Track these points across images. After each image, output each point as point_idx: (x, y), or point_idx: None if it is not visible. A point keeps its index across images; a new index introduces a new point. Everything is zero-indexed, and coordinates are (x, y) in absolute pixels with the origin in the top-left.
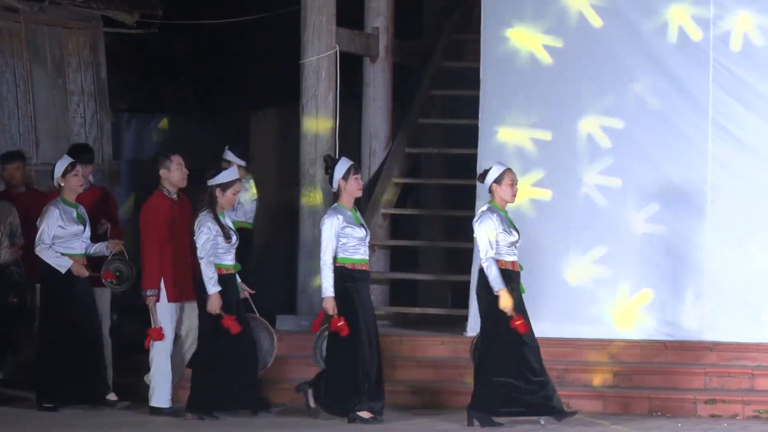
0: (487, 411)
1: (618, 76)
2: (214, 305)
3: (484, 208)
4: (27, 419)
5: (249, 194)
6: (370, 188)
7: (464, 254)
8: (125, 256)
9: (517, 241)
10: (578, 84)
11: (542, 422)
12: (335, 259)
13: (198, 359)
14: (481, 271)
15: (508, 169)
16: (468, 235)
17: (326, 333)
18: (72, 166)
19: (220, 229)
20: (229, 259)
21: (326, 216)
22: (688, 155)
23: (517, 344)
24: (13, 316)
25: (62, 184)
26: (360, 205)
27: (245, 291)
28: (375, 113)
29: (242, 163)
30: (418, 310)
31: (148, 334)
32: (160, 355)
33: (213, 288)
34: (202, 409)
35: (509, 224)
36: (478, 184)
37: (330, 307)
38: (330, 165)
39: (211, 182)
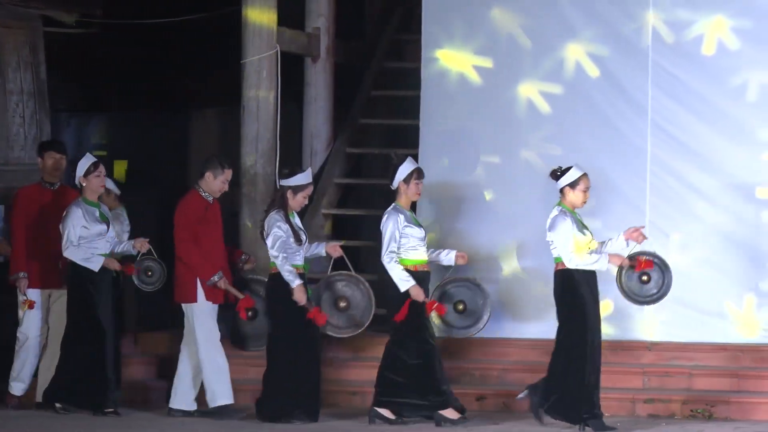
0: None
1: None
2: (301, 297)
3: (556, 212)
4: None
5: (124, 225)
6: (312, 194)
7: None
8: (153, 254)
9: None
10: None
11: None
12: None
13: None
14: (559, 273)
15: (585, 175)
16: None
17: None
18: (95, 166)
19: (290, 230)
20: (298, 260)
21: (388, 215)
22: (628, 155)
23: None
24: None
25: (84, 184)
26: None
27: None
28: (316, 113)
29: (117, 191)
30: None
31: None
32: (185, 356)
33: (296, 280)
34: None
35: (581, 225)
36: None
37: (418, 293)
38: (396, 163)
39: (284, 183)
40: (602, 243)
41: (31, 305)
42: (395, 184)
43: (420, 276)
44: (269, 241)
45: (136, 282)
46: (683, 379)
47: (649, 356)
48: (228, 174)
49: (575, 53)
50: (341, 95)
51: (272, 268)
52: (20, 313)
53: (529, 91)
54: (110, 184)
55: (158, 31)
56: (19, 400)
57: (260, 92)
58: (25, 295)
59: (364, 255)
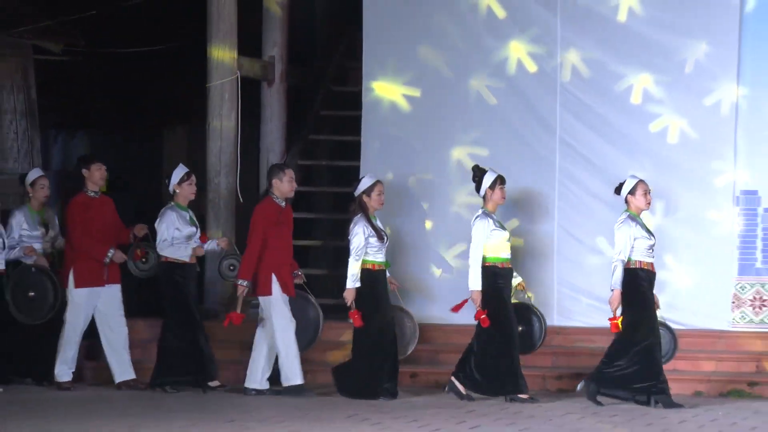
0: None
1: (481, 110)
2: (349, 296)
3: (623, 217)
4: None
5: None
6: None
7: (347, 251)
8: (236, 251)
9: (654, 245)
10: (444, 125)
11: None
12: (485, 258)
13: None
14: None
15: (641, 181)
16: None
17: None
18: (187, 175)
19: (373, 231)
20: (380, 257)
21: (477, 219)
22: (540, 168)
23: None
24: (31, 309)
25: (177, 191)
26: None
27: (393, 285)
28: (271, 131)
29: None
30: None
31: (227, 317)
32: (286, 340)
33: (352, 284)
34: (346, 393)
35: (646, 229)
36: (359, 192)
37: (478, 299)
38: (478, 175)
39: (357, 192)
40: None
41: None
42: (482, 192)
43: (505, 272)
44: (352, 243)
45: (221, 273)
46: (585, 359)
47: (558, 339)
48: (290, 173)
49: (515, 52)
50: (293, 114)
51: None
52: (69, 305)
53: (452, 112)
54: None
55: (133, 59)
56: (70, 383)
57: (223, 112)
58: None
59: (313, 252)
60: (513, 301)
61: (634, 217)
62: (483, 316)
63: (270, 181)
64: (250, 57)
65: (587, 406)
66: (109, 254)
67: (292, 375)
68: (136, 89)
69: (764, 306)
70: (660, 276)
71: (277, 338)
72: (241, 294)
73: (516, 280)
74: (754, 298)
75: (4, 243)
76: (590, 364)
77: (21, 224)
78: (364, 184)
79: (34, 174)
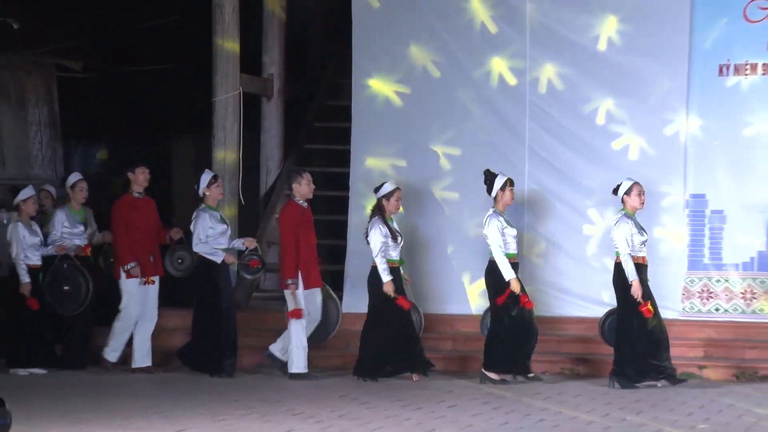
0: (628, 378)
1: (456, 114)
2: (389, 289)
3: (620, 215)
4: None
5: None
6: (267, 198)
7: (340, 249)
8: (259, 251)
9: (646, 240)
10: (425, 121)
11: (659, 384)
12: (491, 253)
13: (368, 334)
14: (618, 265)
15: (636, 183)
16: (342, 235)
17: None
18: (215, 178)
19: (388, 231)
20: (395, 255)
21: (489, 218)
22: (510, 174)
23: (644, 324)
24: (64, 302)
25: (207, 193)
26: (259, 212)
27: (407, 280)
28: (270, 140)
29: (54, 195)
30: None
31: (287, 315)
32: (298, 330)
33: (387, 277)
34: (367, 374)
35: (640, 227)
36: (350, 195)
37: (516, 287)
38: (489, 178)
39: (378, 195)
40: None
41: (149, 281)
42: (493, 193)
43: (513, 266)
44: (371, 244)
45: (247, 270)
46: (555, 344)
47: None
48: (308, 176)
49: (492, 71)
50: (289, 125)
51: (373, 263)
52: (123, 295)
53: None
54: (51, 189)
55: (146, 75)
56: (113, 365)
57: (227, 124)
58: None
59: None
60: None
61: (630, 216)
62: (527, 299)
63: (290, 185)
64: (251, 74)
65: (552, 388)
66: (128, 266)
67: (299, 364)
68: (147, 102)
69: (711, 297)
70: None
71: (291, 329)
72: (293, 292)
73: None
74: (702, 290)
75: (41, 240)
76: (558, 349)
77: (63, 222)
78: (386, 189)
79: (74, 177)
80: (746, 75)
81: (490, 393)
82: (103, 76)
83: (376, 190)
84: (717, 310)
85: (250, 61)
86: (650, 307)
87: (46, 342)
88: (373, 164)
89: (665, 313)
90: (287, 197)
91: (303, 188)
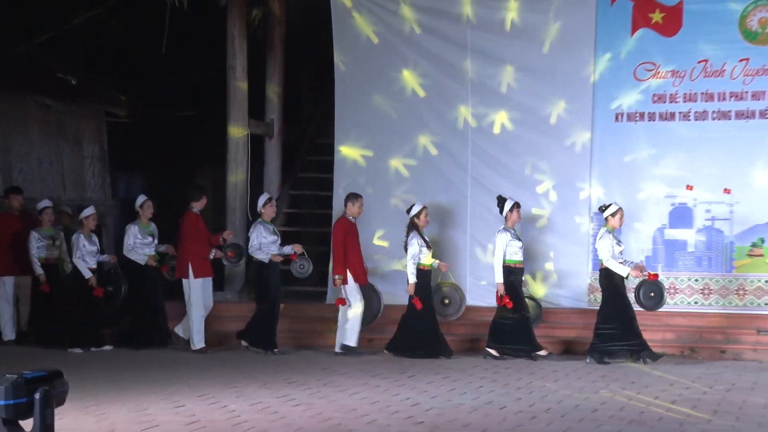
0: (601, 354)
1: (416, 150)
2: (411, 290)
3: (603, 231)
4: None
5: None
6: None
7: (326, 253)
8: (306, 255)
9: (623, 250)
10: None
11: (644, 361)
12: (504, 260)
13: (405, 320)
14: (602, 270)
15: (621, 208)
16: (327, 243)
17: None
18: (269, 200)
19: (423, 242)
20: (425, 259)
21: (499, 233)
22: (457, 197)
23: (626, 310)
24: (107, 299)
25: (262, 211)
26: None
27: (443, 265)
28: (271, 171)
29: (69, 212)
30: (297, 287)
31: (336, 302)
32: (344, 313)
33: (412, 279)
34: (399, 352)
35: (618, 240)
36: (333, 213)
37: (501, 289)
38: (501, 202)
39: (411, 214)
40: (630, 262)
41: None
42: (504, 213)
43: (517, 270)
44: (408, 251)
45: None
46: (486, 328)
47: (469, 314)
48: (361, 201)
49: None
50: (287, 159)
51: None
52: (186, 290)
53: (396, 164)
54: (68, 209)
55: (176, 119)
56: (205, 349)
57: (237, 158)
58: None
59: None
60: None
61: (610, 231)
62: (507, 300)
63: (345, 204)
64: (256, 119)
65: (490, 361)
66: (212, 254)
67: (352, 339)
68: (176, 140)
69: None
70: (543, 267)
71: (349, 312)
72: (337, 285)
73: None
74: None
75: (98, 249)
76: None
77: (135, 234)
78: (415, 209)
79: (142, 198)
80: (634, 121)
81: (440, 365)
82: (142, 120)
83: (408, 210)
84: None
85: (256, 108)
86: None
87: (112, 324)
88: (350, 187)
89: (574, 303)
90: (342, 214)
91: (355, 209)
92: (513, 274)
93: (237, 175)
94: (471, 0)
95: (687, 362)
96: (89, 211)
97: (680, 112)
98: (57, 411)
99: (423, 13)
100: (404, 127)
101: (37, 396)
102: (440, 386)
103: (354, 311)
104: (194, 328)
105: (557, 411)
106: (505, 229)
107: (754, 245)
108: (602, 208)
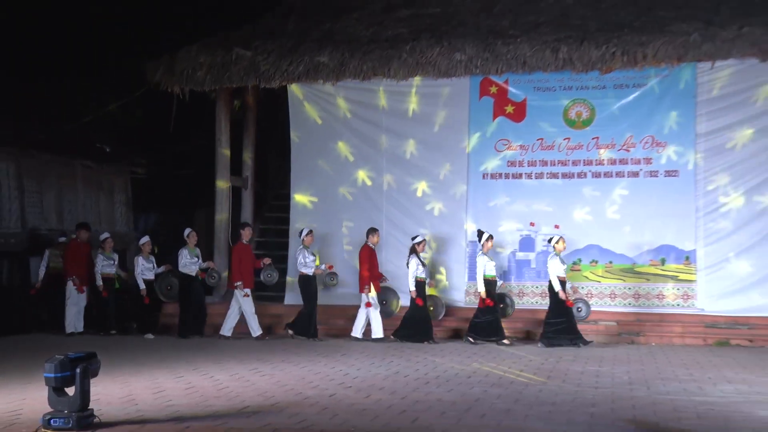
0: (550, 340)
1: (345, 201)
2: (413, 294)
3: (552, 254)
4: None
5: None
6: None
7: (283, 271)
8: (335, 270)
9: (566, 267)
10: (329, 210)
11: (578, 345)
12: (485, 275)
13: (407, 316)
14: (549, 283)
15: (562, 236)
16: (286, 260)
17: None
18: (310, 231)
19: (420, 263)
20: (423, 275)
21: (479, 257)
22: (378, 220)
23: (564, 312)
24: (169, 295)
25: (305, 239)
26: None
27: (431, 283)
28: (246, 211)
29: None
30: (265, 293)
31: (365, 305)
32: (369, 312)
33: (413, 287)
34: (403, 338)
35: (562, 260)
36: (290, 240)
37: (484, 294)
38: (480, 234)
39: (414, 242)
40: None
41: (246, 294)
42: (482, 242)
43: (493, 282)
44: (410, 268)
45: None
46: (453, 321)
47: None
48: (378, 233)
49: (362, 175)
50: (258, 204)
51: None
52: (240, 296)
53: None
54: (105, 235)
55: (180, 176)
56: (263, 335)
57: (223, 202)
58: (244, 291)
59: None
60: None
61: (557, 255)
62: (487, 301)
63: (367, 236)
64: (235, 176)
65: (400, 344)
66: (237, 284)
67: (378, 331)
68: (180, 190)
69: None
70: (436, 277)
71: (370, 312)
72: (367, 293)
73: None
74: (475, 291)
75: (153, 266)
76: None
77: (186, 255)
78: (418, 239)
79: (188, 230)
80: (496, 180)
81: (370, 348)
82: (156, 176)
83: (413, 238)
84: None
85: (236, 167)
86: (570, 302)
87: (153, 319)
88: (302, 224)
89: (455, 303)
90: (364, 243)
91: (374, 238)
92: (490, 285)
93: (222, 215)
94: (385, 95)
95: (531, 343)
96: (145, 239)
97: (525, 173)
98: (92, 381)
99: (353, 103)
100: (339, 183)
101: (78, 370)
102: (363, 362)
103: (376, 311)
104: (250, 324)
105: (443, 377)
106: (483, 254)
107: (574, 263)
108: (550, 241)
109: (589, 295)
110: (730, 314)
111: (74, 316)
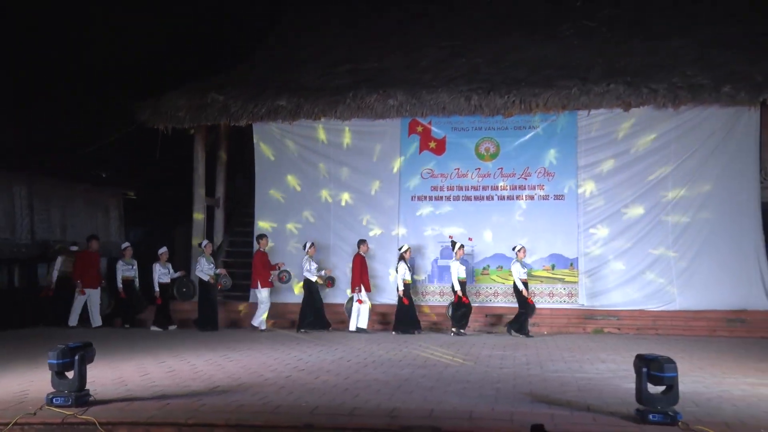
0: (517, 330)
1: (308, 227)
2: (404, 295)
3: (515, 261)
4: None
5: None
6: (216, 251)
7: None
8: (332, 275)
9: (527, 272)
10: (291, 213)
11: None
12: (459, 278)
13: (399, 313)
14: (514, 283)
15: (524, 246)
16: (250, 268)
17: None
18: (312, 244)
19: (407, 268)
20: (410, 278)
21: (452, 262)
22: (325, 242)
23: (528, 309)
24: (184, 296)
25: (309, 250)
26: (216, 257)
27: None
28: (218, 226)
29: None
30: (232, 293)
31: (357, 302)
32: (358, 308)
33: (402, 289)
34: (400, 331)
35: (524, 265)
36: (253, 251)
37: (459, 293)
38: (453, 244)
39: (401, 251)
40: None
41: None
42: (455, 250)
43: (464, 283)
44: (399, 273)
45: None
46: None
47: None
48: (367, 244)
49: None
50: (228, 220)
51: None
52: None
53: (290, 227)
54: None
55: (165, 197)
56: (262, 330)
57: (199, 218)
58: (260, 290)
59: (238, 277)
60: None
61: (520, 261)
62: (464, 299)
63: (358, 246)
64: (209, 197)
65: (346, 332)
66: (272, 277)
67: (364, 323)
68: (164, 209)
69: (427, 294)
70: (374, 280)
71: (362, 307)
72: (358, 294)
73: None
74: (433, 291)
75: (168, 271)
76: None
77: (203, 263)
78: (404, 248)
79: (205, 242)
80: (422, 201)
81: (321, 338)
82: (144, 197)
83: (400, 248)
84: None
85: (210, 188)
86: (530, 299)
87: (167, 315)
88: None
89: (390, 302)
90: (356, 252)
91: (364, 248)
92: (462, 286)
93: (197, 239)
94: (324, 131)
95: (446, 333)
96: (163, 249)
97: (445, 196)
98: (88, 366)
99: (299, 141)
100: (294, 207)
101: (76, 357)
102: (314, 349)
103: (365, 307)
104: (259, 318)
105: (378, 361)
106: (455, 260)
107: (484, 269)
108: (514, 249)
109: (496, 294)
110: (604, 308)
111: (78, 312)
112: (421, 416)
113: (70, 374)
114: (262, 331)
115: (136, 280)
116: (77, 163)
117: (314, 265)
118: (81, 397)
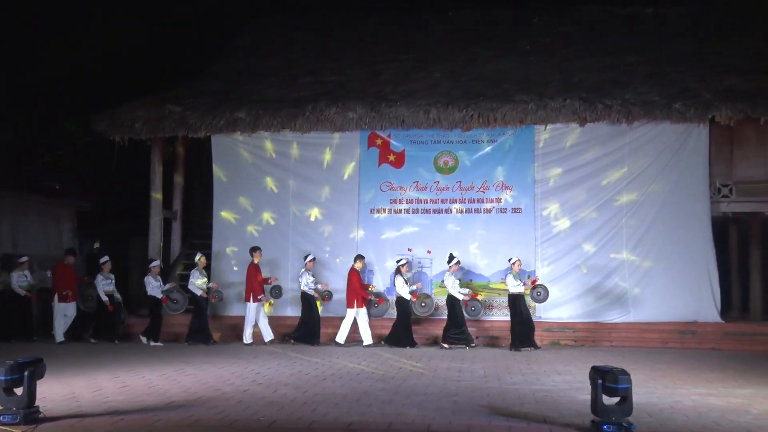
0: (516, 346)
1: (269, 232)
2: (413, 298)
3: (448, 274)
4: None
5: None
6: (173, 264)
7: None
8: (329, 289)
9: (520, 284)
10: (247, 232)
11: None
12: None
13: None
14: (449, 294)
15: (519, 260)
16: (214, 278)
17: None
18: (312, 258)
19: (404, 280)
20: (404, 292)
21: (446, 275)
22: (282, 252)
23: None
24: (174, 308)
25: (308, 264)
26: (168, 270)
27: (419, 285)
28: (175, 239)
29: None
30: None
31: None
32: (356, 318)
33: (407, 296)
34: (393, 344)
35: (515, 276)
36: (212, 263)
37: (465, 303)
38: (450, 258)
39: (398, 265)
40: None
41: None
42: (451, 264)
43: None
44: (397, 286)
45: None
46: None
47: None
48: (363, 259)
49: (266, 216)
50: (185, 232)
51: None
52: (256, 309)
53: (251, 229)
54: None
55: (121, 209)
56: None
57: (155, 231)
58: (259, 301)
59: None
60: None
61: (452, 274)
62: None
63: (354, 261)
64: (167, 209)
65: (302, 347)
66: (259, 296)
67: (367, 337)
68: (119, 221)
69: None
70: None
71: (360, 320)
72: (357, 307)
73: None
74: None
75: (160, 284)
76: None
77: (196, 275)
78: (402, 262)
79: (199, 254)
80: (381, 214)
81: (277, 353)
82: (98, 209)
83: (398, 262)
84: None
85: (168, 200)
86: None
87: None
88: (223, 248)
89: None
90: (352, 267)
91: (359, 264)
92: (457, 298)
93: (155, 242)
94: (298, 147)
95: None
96: (156, 262)
97: (404, 209)
98: (39, 382)
99: (256, 152)
100: (257, 217)
101: (26, 373)
102: (273, 363)
103: (362, 318)
104: (247, 331)
105: (337, 375)
106: (451, 274)
107: (442, 281)
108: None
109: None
110: (561, 321)
111: (62, 327)
112: (379, 429)
113: (19, 391)
114: (247, 345)
115: (116, 294)
116: (31, 175)
117: (311, 279)
118: (30, 414)
